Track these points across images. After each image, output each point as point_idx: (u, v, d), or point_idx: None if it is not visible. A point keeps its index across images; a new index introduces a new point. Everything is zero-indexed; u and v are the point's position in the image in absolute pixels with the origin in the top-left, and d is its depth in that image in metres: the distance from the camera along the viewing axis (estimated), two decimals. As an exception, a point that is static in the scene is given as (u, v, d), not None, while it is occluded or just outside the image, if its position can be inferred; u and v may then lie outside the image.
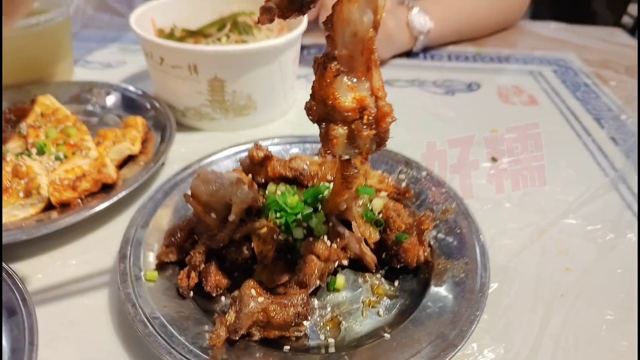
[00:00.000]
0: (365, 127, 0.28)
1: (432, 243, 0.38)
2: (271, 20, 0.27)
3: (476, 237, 0.38)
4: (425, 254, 0.37)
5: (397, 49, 0.71)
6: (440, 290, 0.35)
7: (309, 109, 0.29)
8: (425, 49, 0.74)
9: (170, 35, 0.57)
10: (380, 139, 0.28)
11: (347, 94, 0.27)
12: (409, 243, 0.36)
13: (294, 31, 0.52)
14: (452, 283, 0.35)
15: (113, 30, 0.78)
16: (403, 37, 0.70)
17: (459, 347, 0.30)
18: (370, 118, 0.28)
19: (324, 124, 0.28)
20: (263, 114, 0.55)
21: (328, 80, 0.27)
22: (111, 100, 0.57)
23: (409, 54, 0.74)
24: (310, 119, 0.29)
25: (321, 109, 0.28)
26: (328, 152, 0.28)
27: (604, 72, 0.72)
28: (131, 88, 0.58)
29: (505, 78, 0.69)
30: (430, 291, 0.35)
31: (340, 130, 0.28)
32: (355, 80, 0.27)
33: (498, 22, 0.81)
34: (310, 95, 0.29)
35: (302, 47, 0.60)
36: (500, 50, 0.77)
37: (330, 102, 0.27)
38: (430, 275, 0.36)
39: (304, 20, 0.55)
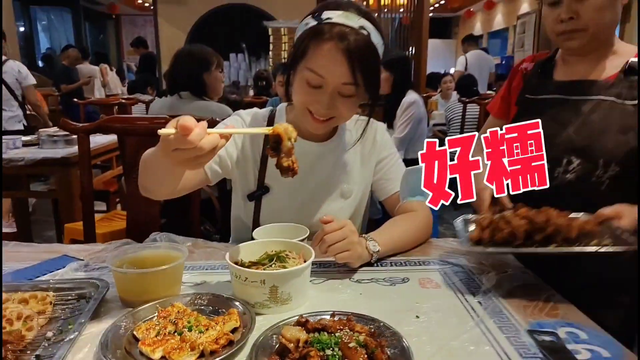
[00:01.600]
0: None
1: (389, 353, 0.84)
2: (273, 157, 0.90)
3: (408, 350, 0.83)
4: (385, 357, 0.82)
5: (363, 262, 1.24)
6: (394, 372, 0.79)
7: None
8: (378, 260, 1.28)
9: (242, 264, 1.08)
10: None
11: (285, 161, 0.83)
12: (378, 353, 0.81)
13: (307, 261, 1.05)
14: (399, 369, 0.80)
15: (190, 261, 1.29)
16: (364, 255, 1.24)
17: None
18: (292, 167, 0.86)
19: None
20: (295, 303, 1.03)
21: (282, 156, 0.83)
22: (211, 302, 1.04)
23: (369, 264, 1.27)
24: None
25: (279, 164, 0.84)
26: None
27: (478, 266, 1.27)
28: (219, 294, 1.05)
29: (423, 274, 1.22)
30: (389, 372, 0.79)
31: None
32: (288, 157, 0.83)
33: (416, 242, 1.38)
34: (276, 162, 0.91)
35: (311, 266, 1.12)
36: (420, 258, 1.32)
37: (279, 162, 0.85)
38: (389, 367, 0.81)
39: (312, 254, 1.07)
